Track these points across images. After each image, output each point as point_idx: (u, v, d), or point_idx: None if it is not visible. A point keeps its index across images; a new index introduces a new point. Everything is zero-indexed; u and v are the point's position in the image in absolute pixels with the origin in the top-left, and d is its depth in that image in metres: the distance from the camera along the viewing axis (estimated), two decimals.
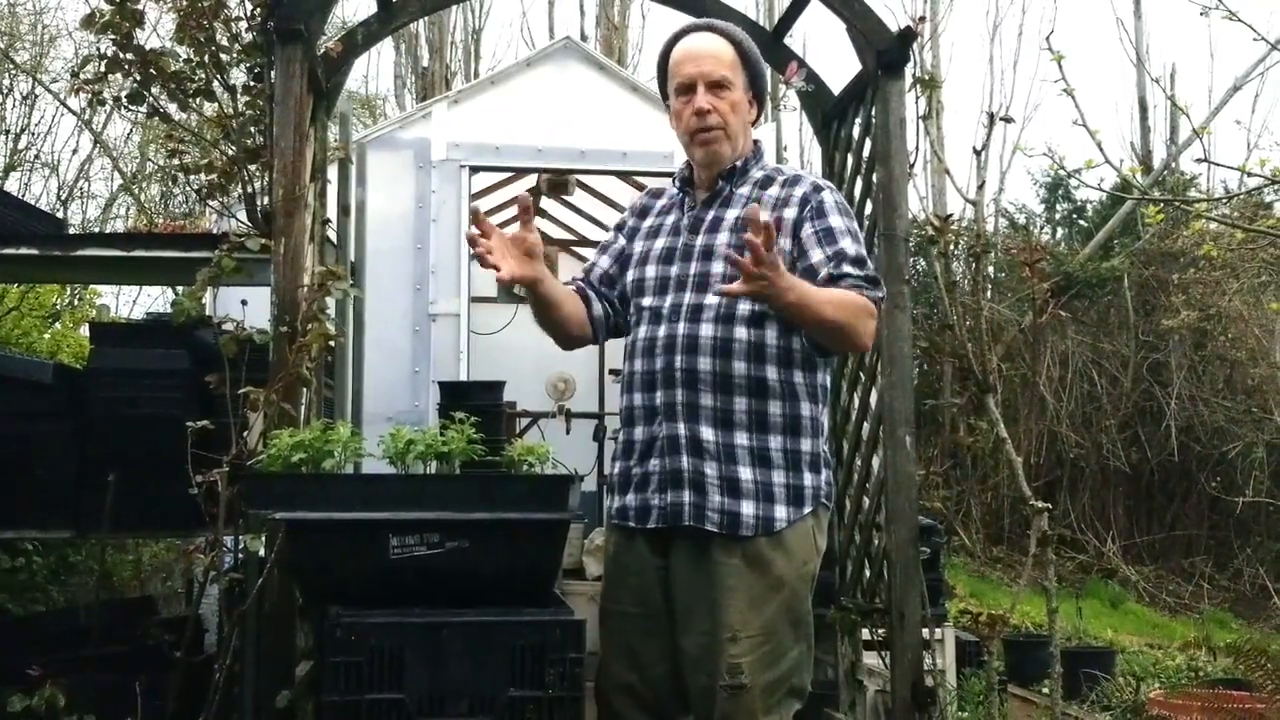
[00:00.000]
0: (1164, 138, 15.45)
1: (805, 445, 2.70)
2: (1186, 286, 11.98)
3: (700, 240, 2.77)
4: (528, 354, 9.08)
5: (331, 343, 3.76)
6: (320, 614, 2.77)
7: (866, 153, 4.01)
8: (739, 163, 2.81)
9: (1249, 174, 5.51)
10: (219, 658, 3.29)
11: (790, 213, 2.73)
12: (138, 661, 3.94)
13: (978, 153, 4.39)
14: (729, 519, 2.63)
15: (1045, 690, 5.73)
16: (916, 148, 3.99)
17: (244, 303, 3.69)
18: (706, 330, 2.68)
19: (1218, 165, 6.13)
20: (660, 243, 2.84)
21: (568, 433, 8.27)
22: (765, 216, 2.37)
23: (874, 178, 3.90)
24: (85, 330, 8.74)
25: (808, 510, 2.69)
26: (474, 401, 5.59)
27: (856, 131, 4.11)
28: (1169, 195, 10.68)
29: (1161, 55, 30.35)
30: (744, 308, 2.67)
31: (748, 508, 2.63)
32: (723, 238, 2.73)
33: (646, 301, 2.80)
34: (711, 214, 2.79)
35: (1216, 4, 4.85)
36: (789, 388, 2.70)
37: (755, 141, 2.89)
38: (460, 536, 2.70)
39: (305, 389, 3.48)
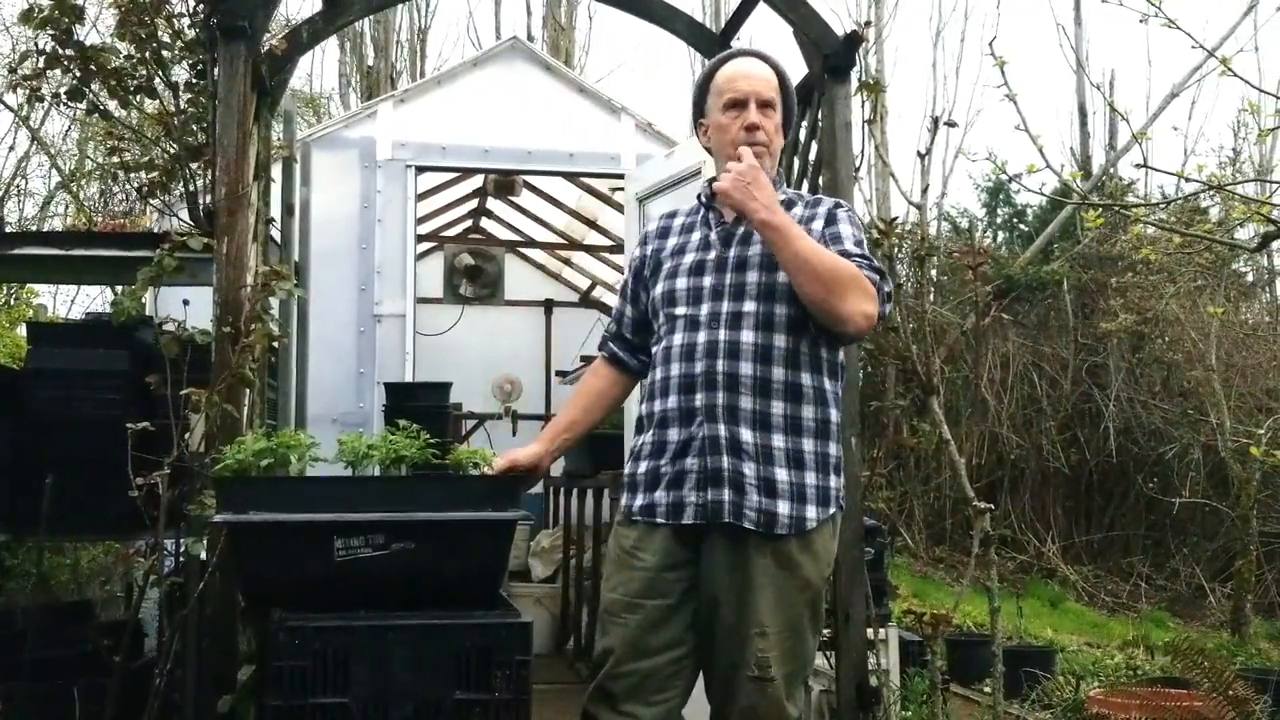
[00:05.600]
0: (1103, 143, 15.69)
1: (832, 449, 2.83)
2: (1125, 290, 12.13)
3: (734, 252, 2.87)
4: (474, 355, 9.06)
5: (275, 343, 3.74)
6: (263, 618, 2.74)
7: (813, 156, 4.03)
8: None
9: (1186, 179, 5.59)
10: (159, 662, 3.26)
11: (818, 225, 2.86)
12: (76, 667, 3.87)
13: (921, 157, 4.43)
14: (766, 518, 2.71)
15: (987, 689, 5.78)
16: (862, 151, 4.02)
17: (186, 302, 3.64)
18: (747, 337, 2.78)
19: (1156, 170, 6.18)
20: (689, 258, 2.93)
21: (514, 434, 8.26)
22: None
23: (820, 180, 3.93)
24: (23, 330, 8.59)
25: (833, 510, 2.81)
26: (420, 403, 5.58)
27: (803, 135, 4.13)
28: (1108, 200, 10.80)
29: (1101, 62, 30.81)
30: (781, 312, 2.78)
31: (783, 507, 2.73)
32: (755, 249, 2.83)
33: (680, 310, 2.88)
34: (743, 228, 2.87)
35: (1155, 11, 4.90)
36: (820, 393, 2.81)
37: (778, 168, 3.00)
38: (405, 538, 2.68)
39: (248, 390, 3.44)
